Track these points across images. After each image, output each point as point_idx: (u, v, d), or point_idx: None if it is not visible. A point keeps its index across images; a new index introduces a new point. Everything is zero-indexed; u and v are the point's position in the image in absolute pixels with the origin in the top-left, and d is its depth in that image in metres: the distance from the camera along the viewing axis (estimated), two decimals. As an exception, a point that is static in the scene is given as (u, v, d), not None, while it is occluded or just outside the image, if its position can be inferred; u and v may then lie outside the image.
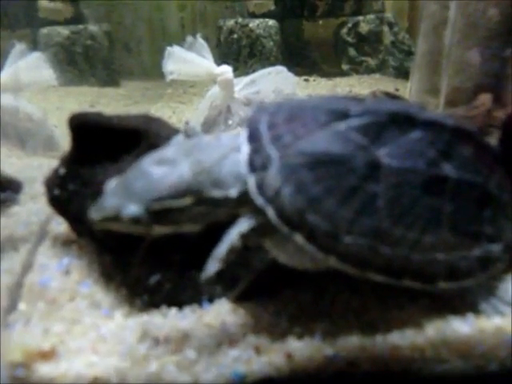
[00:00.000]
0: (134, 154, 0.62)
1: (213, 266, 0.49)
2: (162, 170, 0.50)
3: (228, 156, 0.52)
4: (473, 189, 0.53)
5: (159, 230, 0.50)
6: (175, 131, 0.65)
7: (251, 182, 0.50)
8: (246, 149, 0.51)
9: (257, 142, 0.51)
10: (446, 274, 0.51)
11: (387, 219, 0.50)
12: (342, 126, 0.51)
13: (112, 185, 0.50)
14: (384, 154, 0.50)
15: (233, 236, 0.50)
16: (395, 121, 0.52)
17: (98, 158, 0.63)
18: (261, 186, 0.49)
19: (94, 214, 0.49)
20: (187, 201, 0.50)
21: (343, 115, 0.52)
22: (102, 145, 0.63)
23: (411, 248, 0.50)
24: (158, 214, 0.49)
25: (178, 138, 0.59)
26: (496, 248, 0.54)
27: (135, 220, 0.48)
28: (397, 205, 0.50)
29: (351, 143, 0.50)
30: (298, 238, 0.49)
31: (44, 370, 0.48)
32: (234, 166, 0.51)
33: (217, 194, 0.50)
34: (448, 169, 0.52)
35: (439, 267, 0.51)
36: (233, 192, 0.51)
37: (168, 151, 0.52)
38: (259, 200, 0.49)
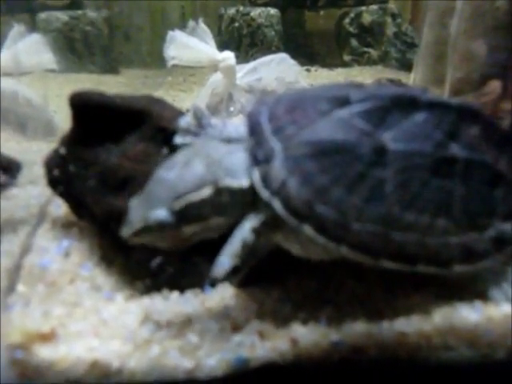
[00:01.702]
0: (136, 135, 0.61)
1: (226, 262, 0.49)
2: (176, 172, 0.50)
3: (234, 151, 0.52)
4: (482, 168, 0.52)
5: (189, 230, 0.49)
6: (179, 113, 0.63)
7: (255, 175, 0.49)
8: (247, 143, 0.51)
9: (258, 134, 0.51)
10: (460, 256, 0.50)
11: (397, 204, 0.49)
12: (344, 112, 0.50)
13: (134, 201, 0.50)
14: (389, 139, 0.49)
15: (245, 231, 0.49)
16: (398, 104, 0.51)
17: (99, 138, 0.61)
18: (265, 179, 0.49)
19: (124, 231, 0.49)
20: (206, 192, 0.49)
21: (344, 102, 0.51)
22: (103, 125, 0.61)
23: (424, 232, 0.49)
24: (182, 212, 0.48)
25: (186, 119, 0.58)
26: (510, 227, 0.52)
27: (163, 225, 0.48)
28: (406, 189, 0.49)
29: (355, 129, 0.50)
30: (307, 230, 0.48)
31: (43, 352, 0.47)
32: (240, 158, 0.51)
33: (231, 182, 0.50)
34: (456, 149, 0.51)
35: (454, 250, 0.50)
36: (244, 182, 0.50)
37: (177, 156, 0.52)
38: (265, 193, 0.48)
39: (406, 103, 0.51)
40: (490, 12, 1.09)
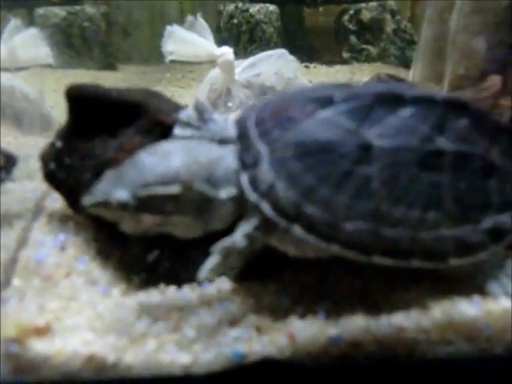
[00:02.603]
0: (133, 128, 0.60)
1: (211, 265, 0.50)
2: (153, 160, 0.50)
3: (226, 156, 0.52)
4: (473, 160, 0.52)
5: (148, 220, 0.49)
6: (176, 106, 0.63)
7: (244, 179, 0.50)
8: (235, 148, 0.52)
9: (246, 139, 0.52)
10: (455, 249, 0.50)
11: (386, 200, 0.49)
12: (327, 112, 0.51)
13: (108, 174, 0.50)
14: (374, 135, 0.50)
15: (237, 237, 0.50)
16: (382, 101, 0.51)
17: (95, 131, 0.61)
18: (254, 183, 0.49)
19: (86, 199, 0.49)
20: (174, 189, 0.49)
21: (328, 102, 0.51)
22: (100, 118, 0.61)
23: (415, 227, 0.49)
24: (144, 201, 0.48)
25: (187, 112, 0.57)
26: (507, 218, 0.52)
27: (123, 206, 0.48)
28: (394, 185, 0.49)
29: (339, 128, 0.50)
30: (297, 230, 0.48)
31: (38, 346, 0.46)
32: (229, 167, 0.51)
33: (207, 190, 0.50)
34: (443, 142, 0.51)
35: (448, 244, 0.50)
36: (223, 194, 0.50)
37: (164, 145, 0.52)
38: (253, 196, 0.49)
39: (390, 100, 0.52)
40: (490, 7, 1.08)
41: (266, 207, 0.48)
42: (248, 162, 0.50)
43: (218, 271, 0.51)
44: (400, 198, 0.49)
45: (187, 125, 0.57)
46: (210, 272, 0.50)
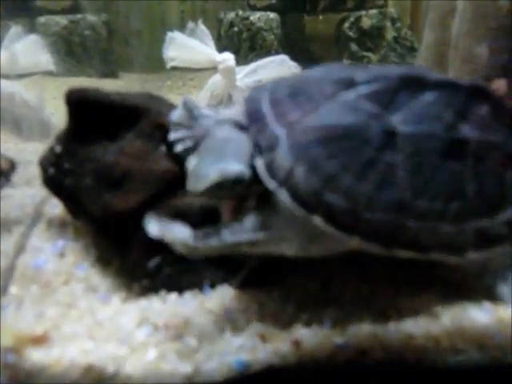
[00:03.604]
0: (133, 132, 0.59)
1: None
2: (239, 134, 0.48)
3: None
4: (494, 150, 0.50)
5: (257, 189, 0.47)
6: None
7: (259, 164, 0.46)
8: (248, 131, 0.49)
9: (260, 121, 0.48)
10: (475, 242, 0.48)
11: (409, 190, 0.46)
12: (350, 95, 0.48)
13: (194, 161, 0.48)
14: (399, 121, 0.47)
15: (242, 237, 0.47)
16: (405, 85, 0.49)
17: (95, 135, 0.60)
18: (270, 169, 0.46)
19: (196, 186, 0.46)
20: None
21: (350, 84, 0.49)
22: (100, 122, 0.60)
23: (438, 218, 0.47)
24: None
25: (176, 113, 0.56)
26: None
27: (240, 180, 0.46)
28: (418, 174, 0.47)
29: (362, 112, 0.47)
30: (317, 220, 0.45)
31: (36, 356, 0.45)
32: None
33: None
34: (467, 130, 0.49)
35: (468, 236, 0.48)
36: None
37: (213, 138, 0.51)
38: (271, 183, 0.46)
39: (413, 84, 0.49)
40: (492, 13, 1.08)
41: (284, 196, 0.45)
42: (264, 145, 0.47)
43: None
44: (424, 187, 0.47)
45: (179, 125, 0.56)
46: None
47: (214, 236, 0.47)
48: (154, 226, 0.46)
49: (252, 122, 0.49)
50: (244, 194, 0.48)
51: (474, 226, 0.48)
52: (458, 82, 0.51)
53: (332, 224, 0.45)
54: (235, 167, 0.46)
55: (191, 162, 0.48)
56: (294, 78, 0.55)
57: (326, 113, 0.48)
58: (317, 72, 0.54)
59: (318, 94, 0.49)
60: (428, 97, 0.49)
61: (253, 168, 0.47)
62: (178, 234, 0.46)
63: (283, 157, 0.46)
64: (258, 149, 0.47)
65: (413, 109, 0.48)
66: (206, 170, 0.46)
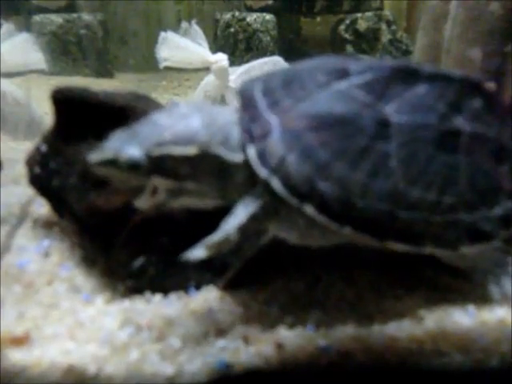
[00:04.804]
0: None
1: (215, 245, 0.45)
2: (170, 120, 0.47)
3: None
4: (487, 142, 0.50)
5: (159, 183, 0.46)
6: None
7: (251, 152, 0.46)
8: (240, 118, 0.48)
9: (252, 109, 0.48)
10: (469, 236, 0.48)
11: (403, 180, 0.46)
12: (343, 84, 0.48)
13: (117, 133, 0.47)
14: (392, 111, 0.47)
15: (241, 216, 0.46)
16: (399, 76, 0.49)
17: (82, 134, 0.59)
18: (262, 156, 0.45)
19: (93, 156, 0.46)
20: (191, 150, 0.46)
21: (343, 74, 0.49)
22: (86, 121, 0.59)
23: (431, 210, 0.47)
24: (157, 161, 0.45)
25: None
26: None
27: (134, 165, 0.45)
28: (411, 164, 0.47)
29: (356, 101, 0.47)
30: (309, 209, 0.45)
31: (16, 356, 0.45)
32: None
33: (224, 153, 0.47)
34: (460, 122, 0.49)
35: (461, 229, 0.47)
36: (238, 157, 0.47)
37: (182, 106, 0.49)
38: (262, 171, 0.45)
39: (406, 75, 0.49)
40: (484, 16, 1.08)
41: (276, 184, 0.45)
42: (256, 133, 0.46)
43: (217, 248, 0.46)
44: (417, 177, 0.47)
45: None
46: (205, 254, 0.45)
47: (219, 232, 0.46)
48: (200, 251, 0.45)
49: (244, 110, 0.49)
50: (141, 181, 0.47)
51: (468, 219, 0.48)
52: (451, 74, 0.51)
53: (324, 213, 0.45)
54: (132, 151, 0.45)
55: (115, 133, 0.47)
56: (287, 69, 0.55)
57: (319, 101, 0.47)
58: (310, 63, 0.54)
59: (312, 84, 0.49)
60: (421, 88, 0.49)
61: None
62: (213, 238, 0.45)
63: (275, 144, 0.46)
64: (250, 136, 0.47)
65: (406, 99, 0.48)
66: (110, 145, 0.46)
